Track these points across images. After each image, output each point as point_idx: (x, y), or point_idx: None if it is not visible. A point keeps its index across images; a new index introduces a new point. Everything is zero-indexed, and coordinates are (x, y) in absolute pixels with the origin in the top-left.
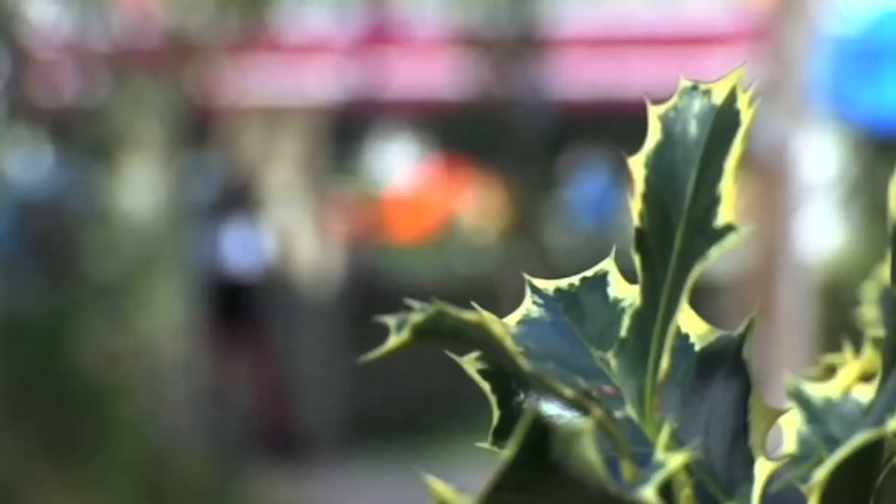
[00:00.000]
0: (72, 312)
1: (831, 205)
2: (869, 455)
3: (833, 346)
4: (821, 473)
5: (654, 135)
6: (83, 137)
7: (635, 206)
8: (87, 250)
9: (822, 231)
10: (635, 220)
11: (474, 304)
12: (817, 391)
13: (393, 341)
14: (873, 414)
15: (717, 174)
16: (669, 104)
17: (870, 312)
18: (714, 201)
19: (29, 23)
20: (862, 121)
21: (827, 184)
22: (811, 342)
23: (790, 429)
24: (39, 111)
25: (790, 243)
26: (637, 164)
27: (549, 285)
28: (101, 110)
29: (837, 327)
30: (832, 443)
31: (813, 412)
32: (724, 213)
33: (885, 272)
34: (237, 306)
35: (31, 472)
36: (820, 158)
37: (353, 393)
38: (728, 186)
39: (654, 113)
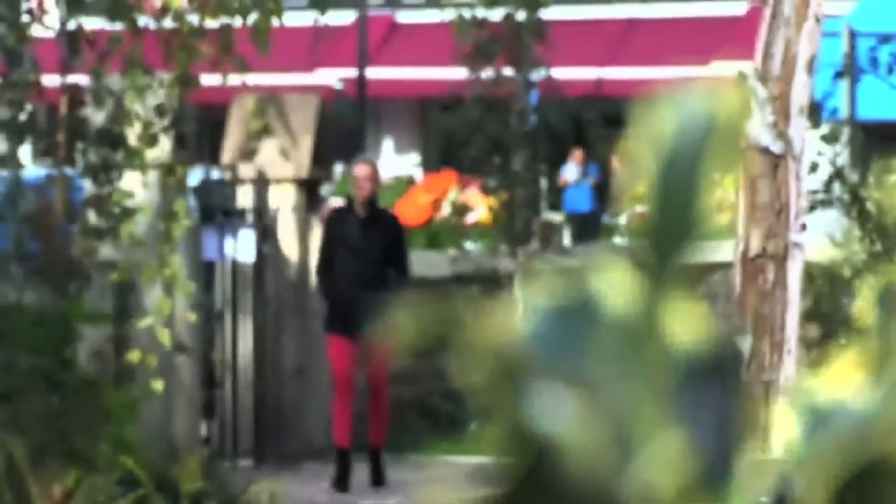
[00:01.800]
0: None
1: (821, 195)
2: (869, 456)
3: (812, 331)
4: (826, 474)
5: (653, 128)
6: (87, 127)
7: (631, 197)
8: (83, 234)
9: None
10: (632, 210)
11: (474, 305)
12: (814, 390)
13: (395, 350)
14: (873, 415)
15: (714, 167)
16: (671, 98)
17: (868, 311)
18: (708, 195)
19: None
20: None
21: (821, 174)
22: (802, 328)
23: (787, 427)
24: (42, 97)
25: (787, 231)
26: (634, 156)
27: (547, 282)
28: (106, 98)
29: (815, 313)
30: (829, 442)
31: (809, 411)
32: (716, 206)
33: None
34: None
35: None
36: (819, 152)
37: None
38: (723, 179)
39: (654, 107)
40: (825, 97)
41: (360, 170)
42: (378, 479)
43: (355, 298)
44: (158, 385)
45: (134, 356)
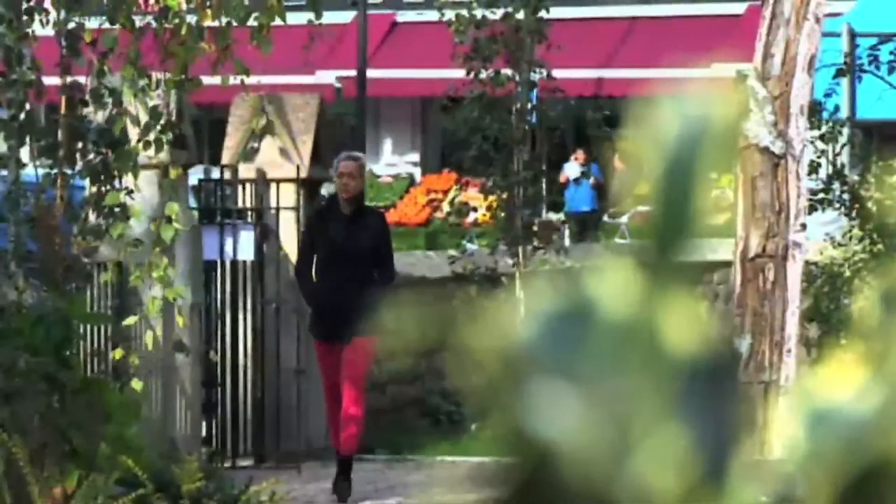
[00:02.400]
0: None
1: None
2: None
3: (812, 331)
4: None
5: (651, 128)
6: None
7: (633, 197)
8: (82, 234)
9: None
10: (634, 210)
11: (474, 305)
12: (814, 390)
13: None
14: (875, 416)
15: (711, 167)
16: (669, 98)
17: (869, 311)
18: (705, 194)
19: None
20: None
21: (821, 174)
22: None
23: (787, 427)
24: (41, 95)
25: (787, 231)
26: (634, 156)
27: (547, 283)
28: (106, 98)
29: (815, 313)
30: (830, 442)
31: (810, 411)
32: (715, 206)
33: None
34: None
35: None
36: (819, 151)
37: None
38: (720, 179)
39: (653, 107)
40: (826, 97)
41: (345, 166)
42: (341, 496)
43: (341, 302)
44: (138, 385)
45: (117, 354)
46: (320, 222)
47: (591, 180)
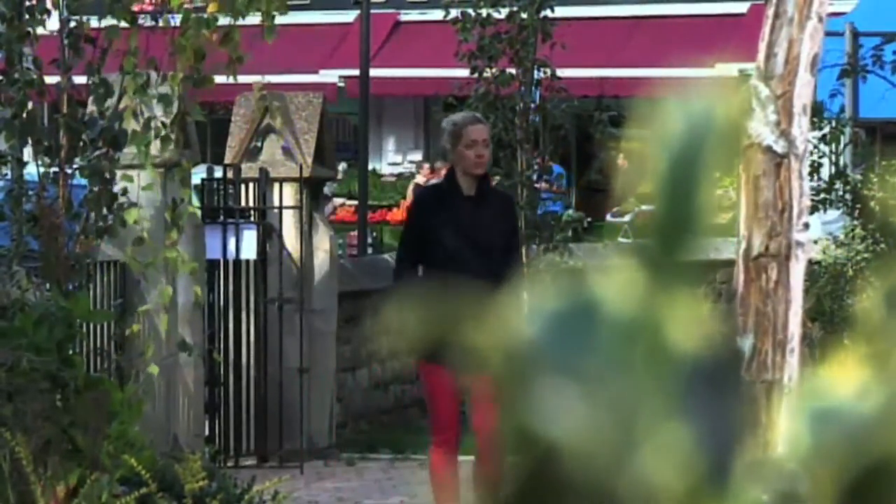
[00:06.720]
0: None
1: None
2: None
3: (815, 330)
4: (837, 476)
5: (658, 128)
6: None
7: (635, 196)
8: (84, 233)
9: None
10: (637, 209)
11: (479, 303)
12: (818, 390)
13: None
14: (878, 415)
15: (715, 166)
16: (673, 98)
17: (873, 310)
18: (709, 193)
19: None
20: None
21: (824, 173)
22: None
23: (791, 426)
24: (42, 93)
25: (790, 231)
26: (637, 155)
27: (551, 281)
28: (106, 96)
29: (818, 313)
30: (834, 441)
31: (813, 411)
32: (719, 205)
33: None
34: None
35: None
36: (822, 152)
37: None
38: (721, 179)
39: (656, 106)
40: (832, 97)
41: (476, 131)
42: None
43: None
44: (155, 370)
45: (135, 328)
46: (436, 207)
47: (543, 184)
